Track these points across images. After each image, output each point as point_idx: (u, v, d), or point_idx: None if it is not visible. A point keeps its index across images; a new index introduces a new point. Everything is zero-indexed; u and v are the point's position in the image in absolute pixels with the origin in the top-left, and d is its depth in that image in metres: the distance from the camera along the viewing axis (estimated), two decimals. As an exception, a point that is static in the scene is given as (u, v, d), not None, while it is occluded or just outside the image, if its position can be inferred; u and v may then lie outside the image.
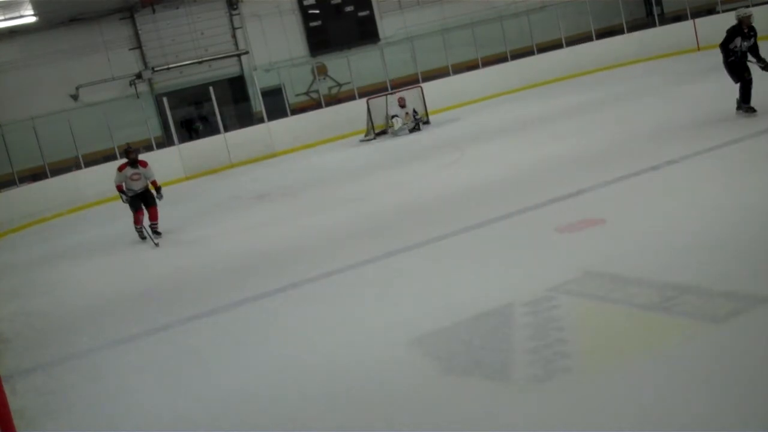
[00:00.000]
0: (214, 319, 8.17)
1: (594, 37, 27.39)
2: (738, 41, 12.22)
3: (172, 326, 8.20)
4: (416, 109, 22.23)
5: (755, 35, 12.24)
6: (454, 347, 5.91)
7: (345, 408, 5.39)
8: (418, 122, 21.92)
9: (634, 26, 28.17)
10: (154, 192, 13.63)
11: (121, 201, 13.75)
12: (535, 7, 28.95)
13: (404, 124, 21.64)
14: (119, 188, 13.44)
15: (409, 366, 5.82)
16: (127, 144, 13.96)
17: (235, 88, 28.45)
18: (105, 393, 6.85)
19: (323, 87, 27.69)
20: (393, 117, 21.78)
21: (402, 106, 21.84)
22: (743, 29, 12.17)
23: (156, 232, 13.52)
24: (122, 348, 7.89)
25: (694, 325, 5.35)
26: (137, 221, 13.54)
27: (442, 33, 27.41)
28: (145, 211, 13.52)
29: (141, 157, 14.09)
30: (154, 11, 26.84)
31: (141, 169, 13.49)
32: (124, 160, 13.64)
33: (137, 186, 13.48)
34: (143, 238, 13.43)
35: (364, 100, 23.25)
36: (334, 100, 27.35)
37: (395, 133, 21.65)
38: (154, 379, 6.92)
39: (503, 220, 9.46)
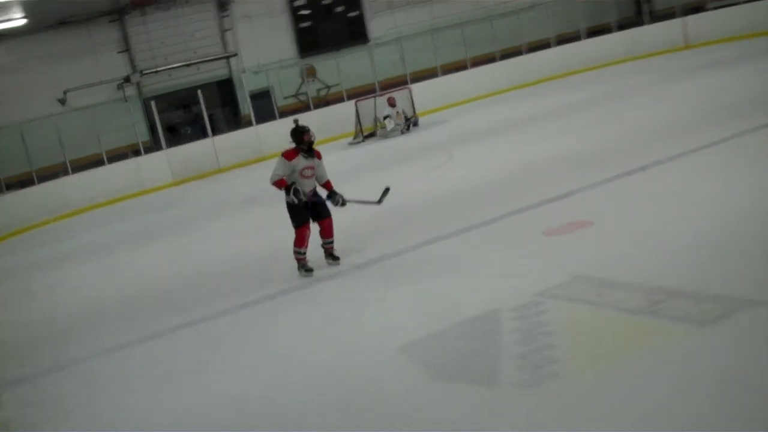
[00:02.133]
0: (208, 323, 8.14)
1: (583, 36, 27.41)
2: None
3: (170, 330, 8.16)
4: (405, 110, 22.16)
5: None
6: (442, 353, 5.89)
7: (337, 413, 5.37)
8: (409, 123, 21.85)
9: (624, 25, 28.24)
10: (323, 197, 9.15)
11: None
12: (524, 7, 28.96)
13: (396, 124, 21.57)
14: (281, 184, 8.77)
15: (397, 371, 5.79)
16: (296, 120, 9.35)
17: (224, 91, 28.38)
18: (98, 400, 6.80)
19: (312, 89, 27.63)
20: (385, 117, 21.66)
21: (392, 105, 21.76)
22: None
23: (333, 256, 9.18)
24: (115, 355, 7.84)
25: (682, 328, 5.32)
26: (300, 242, 8.88)
27: (431, 33, 27.41)
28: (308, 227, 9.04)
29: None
30: (143, 13, 26.72)
31: (316, 161, 9.02)
32: (291, 146, 8.99)
33: (308, 186, 8.92)
34: (308, 270, 8.93)
35: (352, 102, 23.20)
36: (322, 102, 27.31)
37: (387, 135, 21.55)
38: (150, 385, 6.88)
39: (491, 224, 9.43)
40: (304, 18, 28.89)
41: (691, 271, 6.31)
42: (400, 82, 25.27)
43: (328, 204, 9.06)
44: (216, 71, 27.96)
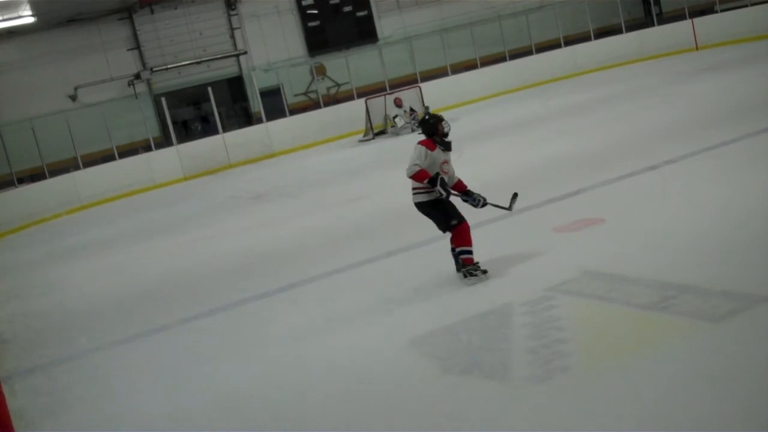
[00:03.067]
0: (213, 319, 8.17)
1: (592, 37, 27.38)
2: None
3: (172, 326, 8.20)
4: (413, 108, 22.15)
5: None
6: (453, 347, 5.92)
7: (344, 408, 5.40)
8: (413, 122, 21.84)
9: (633, 26, 28.20)
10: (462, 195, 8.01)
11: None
12: (533, 7, 28.96)
13: (406, 122, 21.62)
14: (423, 175, 7.48)
15: (408, 366, 5.83)
16: (427, 107, 8.49)
17: (234, 88, 28.43)
18: (104, 393, 6.85)
19: (322, 87, 27.68)
20: (395, 117, 21.77)
21: (399, 106, 21.82)
22: None
23: (475, 271, 7.45)
24: (121, 348, 7.89)
25: (692, 324, 5.35)
26: (468, 238, 7.50)
27: (440, 33, 27.43)
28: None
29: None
30: (152, 11, 26.81)
31: (450, 156, 7.87)
32: (423, 137, 7.83)
33: (450, 183, 7.81)
34: (485, 271, 7.41)
35: (362, 100, 23.24)
36: (332, 100, 27.34)
37: (397, 132, 21.62)
38: (154, 379, 6.93)
39: (502, 220, 9.44)
40: (313, 17, 28.91)
41: (701, 267, 6.34)
42: (409, 81, 25.29)
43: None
44: (226, 69, 28.01)
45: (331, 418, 5.29)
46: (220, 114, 24.24)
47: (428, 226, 9.93)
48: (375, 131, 22.36)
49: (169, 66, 26.95)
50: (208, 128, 25.53)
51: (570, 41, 27.24)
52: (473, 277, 7.37)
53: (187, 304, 8.85)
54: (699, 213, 7.89)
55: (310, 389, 5.82)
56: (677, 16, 26.56)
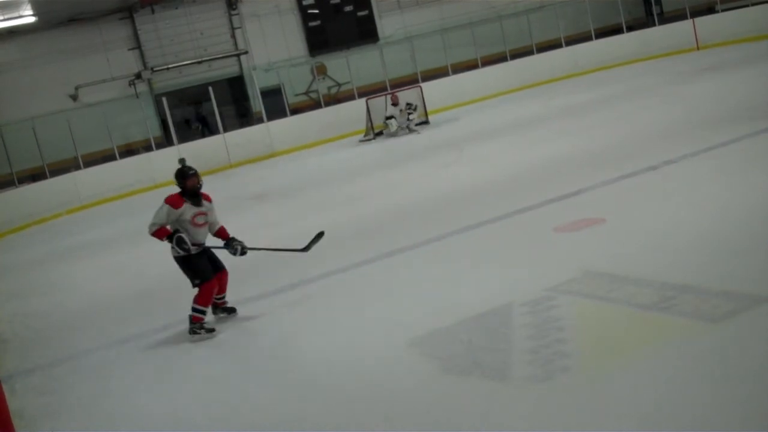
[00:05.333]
0: (212, 319, 8.16)
1: (593, 37, 27.38)
2: None
3: (172, 326, 8.19)
4: (410, 103, 22.10)
5: None
6: (453, 347, 5.92)
7: (345, 408, 5.40)
8: (410, 122, 21.83)
9: (634, 26, 28.20)
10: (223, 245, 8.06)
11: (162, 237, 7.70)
12: (534, 7, 28.96)
13: (399, 126, 21.63)
14: (161, 234, 7.61)
15: (408, 366, 5.83)
16: (182, 161, 8.09)
17: (235, 88, 28.46)
18: (104, 393, 6.86)
19: (322, 87, 27.69)
20: (388, 119, 21.74)
21: (395, 104, 21.80)
22: None
23: (226, 309, 8.09)
24: (121, 348, 7.89)
25: (693, 324, 5.36)
26: (207, 299, 7.69)
27: (441, 33, 27.42)
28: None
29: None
30: (153, 11, 26.82)
31: (207, 206, 7.87)
32: (175, 190, 7.84)
33: (203, 236, 7.82)
34: (210, 330, 7.62)
35: (363, 100, 23.22)
36: (333, 100, 27.35)
37: (394, 134, 21.63)
38: (154, 379, 6.93)
39: (502, 220, 9.46)
40: (313, 17, 28.92)
41: (701, 267, 6.34)
42: (410, 81, 25.28)
43: (224, 253, 7.99)
44: (227, 68, 28.02)
45: (331, 418, 5.29)
46: (220, 114, 24.25)
47: (429, 226, 10.00)
48: (375, 131, 22.36)
49: (169, 66, 26.95)
50: (208, 129, 25.54)
51: (571, 41, 27.23)
52: (197, 335, 7.55)
53: (187, 304, 8.82)
54: (699, 213, 7.90)
55: (310, 389, 5.82)
56: (678, 16, 26.54)
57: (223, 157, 23.41)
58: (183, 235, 7.55)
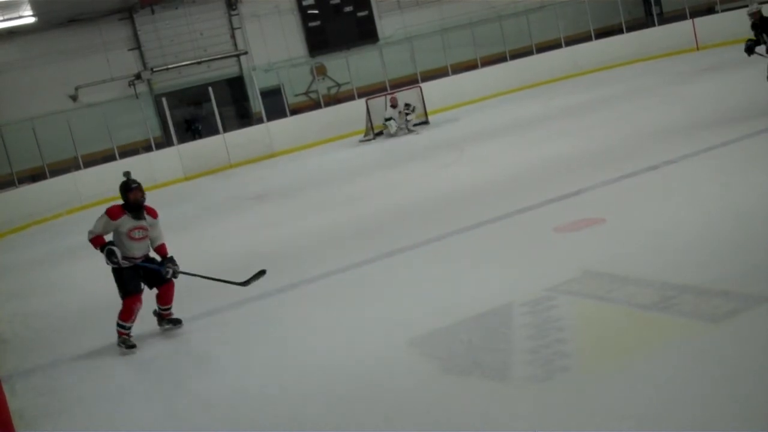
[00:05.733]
0: (212, 319, 8.18)
1: (593, 37, 27.38)
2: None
3: (170, 327, 8.19)
4: (408, 103, 22.12)
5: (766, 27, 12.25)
6: (453, 347, 5.92)
7: (344, 408, 5.40)
8: (408, 123, 21.84)
9: (633, 26, 28.17)
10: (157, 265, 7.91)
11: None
12: (534, 7, 28.95)
13: (398, 127, 21.67)
14: (96, 242, 7.70)
15: (408, 366, 5.83)
16: (127, 174, 7.93)
17: (235, 88, 28.44)
18: (104, 393, 6.85)
19: (322, 87, 27.70)
20: (388, 120, 21.78)
21: (393, 106, 21.83)
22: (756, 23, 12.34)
23: (172, 320, 8.07)
24: (120, 349, 7.87)
25: (693, 324, 5.35)
26: (127, 315, 7.63)
27: (441, 33, 27.43)
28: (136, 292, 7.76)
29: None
30: (153, 12, 26.82)
31: (149, 221, 7.86)
32: (118, 202, 7.81)
33: (139, 251, 7.78)
34: (130, 347, 7.64)
35: (363, 100, 23.24)
36: (333, 100, 27.35)
37: (394, 134, 21.66)
38: (154, 380, 6.94)
39: (502, 220, 9.47)
40: (313, 17, 28.92)
41: (701, 267, 6.34)
42: (410, 81, 25.29)
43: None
44: (227, 69, 28.03)
45: (331, 418, 5.29)
46: (220, 114, 24.25)
47: (429, 226, 10.00)
48: (375, 131, 22.38)
49: (169, 66, 26.95)
50: (208, 128, 25.53)
51: (570, 41, 27.23)
52: (120, 348, 7.62)
53: (187, 304, 8.83)
54: (699, 213, 7.90)
55: (310, 389, 5.82)
56: (678, 17, 26.54)
57: (223, 157, 23.43)
58: (114, 248, 7.58)
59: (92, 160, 22.31)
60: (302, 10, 28.78)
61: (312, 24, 28.92)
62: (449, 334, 6.17)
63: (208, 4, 27.66)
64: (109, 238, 7.73)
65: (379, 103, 22.67)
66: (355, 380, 5.80)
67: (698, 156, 10.35)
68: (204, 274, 8.20)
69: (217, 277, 8.26)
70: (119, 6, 25.94)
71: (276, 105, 25.06)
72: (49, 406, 6.82)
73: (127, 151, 23.18)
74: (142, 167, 22.30)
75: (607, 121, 15.51)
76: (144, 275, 7.79)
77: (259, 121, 24.70)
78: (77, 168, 21.80)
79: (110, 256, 7.57)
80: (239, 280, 8.15)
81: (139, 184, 7.74)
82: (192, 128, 26.10)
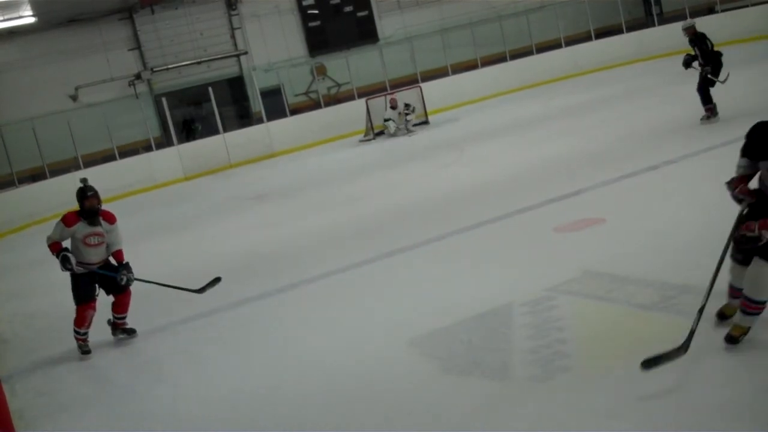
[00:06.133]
0: (212, 319, 8.17)
1: (593, 37, 27.38)
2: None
3: (171, 326, 8.21)
4: (408, 104, 22.12)
5: (700, 43, 12.93)
6: (453, 347, 5.92)
7: (344, 408, 5.40)
8: (408, 123, 21.83)
9: (633, 26, 28.15)
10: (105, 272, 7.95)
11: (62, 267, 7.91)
12: (534, 7, 28.95)
13: (398, 127, 21.68)
14: (53, 248, 7.84)
15: (408, 366, 5.83)
16: (84, 180, 8.09)
17: (234, 88, 28.45)
18: (104, 393, 6.87)
19: (322, 87, 27.70)
20: (387, 120, 21.80)
21: (393, 107, 21.84)
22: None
23: (126, 330, 8.08)
24: (121, 348, 7.88)
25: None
26: (81, 321, 7.77)
27: (441, 33, 27.42)
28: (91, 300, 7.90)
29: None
30: (153, 12, 26.84)
31: (105, 227, 7.92)
32: (74, 208, 7.94)
33: (96, 256, 7.89)
34: (85, 352, 7.82)
35: (363, 100, 23.23)
36: (333, 100, 27.35)
37: (394, 134, 21.68)
38: (154, 380, 6.93)
39: (502, 220, 9.47)
40: (313, 17, 28.93)
41: (701, 267, 6.28)
42: (410, 81, 25.28)
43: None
44: (227, 69, 28.04)
45: (331, 418, 5.29)
46: (220, 114, 24.26)
47: (430, 226, 10.00)
48: (375, 131, 22.39)
49: (169, 66, 26.97)
50: (208, 128, 25.54)
51: (570, 41, 27.22)
52: (80, 353, 7.79)
53: (187, 304, 8.84)
54: (699, 213, 7.89)
55: (310, 389, 5.82)
56: (678, 17, 26.47)
57: (223, 157, 23.42)
58: (69, 255, 7.71)
59: (92, 160, 22.29)
60: (302, 10, 28.79)
61: (312, 24, 28.93)
62: (449, 334, 6.17)
63: (208, 4, 27.67)
64: (67, 244, 7.82)
65: (379, 103, 22.67)
66: (355, 380, 5.80)
67: (698, 156, 10.36)
68: (159, 282, 8.28)
69: (172, 285, 8.31)
70: (119, 6, 25.95)
71: (276, 105, 25.05)
72: (49, 406, 6.82)
73: (127, 151, 23.19)
74: (142, 167, 22.40)
75: (607, 121, 15.50)
76: (100, 282, 7.90)
77: (259, 121, 24.70)
78: (77, 168, 21.74)
79: (64, 262, 7.72)
80: (192, 288, 8.29)
81: (95, 192, 7.84)
82: (191, 128, 26.07)
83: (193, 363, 7.05)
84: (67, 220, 7.78)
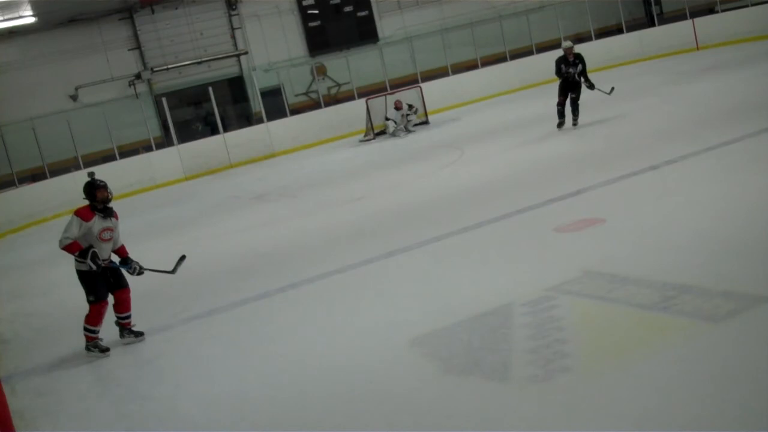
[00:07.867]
0: (213, 319, 8.17)
1: (593, 37, 27.38)
2: (563, 68, 15.30)
3: (171, 326, 8.21)
4: (411, 104, 22.12)
5: (582, 62, 15.15)
6: (453, 347, 5.92)
7: (345, 408, 5.40)
8: (409, 123, 21.85)
9: (633, 26, 28.19)
10: (118, 265, 7.96)
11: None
12: (534, 7, 28.96)
13: (398, 128, 21.69)
14: (74, 248, 7.59)
15: (408, 366, 5.83)
16: (92, 174, 8.00)
17: (235, 88, 28.47)
18: (104, 393, 6.86)
19: (322, 87, 27.71)
20: (387, 120, 21.82)
21: (398, 108, 21.84)
22: (567, 58, 15.28)
23: (133, 332, 7.95)
24: (121, 348, 7.87)
25: (693, 324, 5.35)
26: (96, 319, 7.65)
27: (441, 33, 27.44)
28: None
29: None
30: (153, 12, 26.85)
31: (114, 222, 7.86)
32: (80, 206, 7.79)
33: (106, 252, 7.81)
34: (104, 350, 7.67)
35: (363, 100, 23.27)
36: (333, 100, 27.37)
37: (394, 134, 21.69)
38: (154, 380, 6.93)
39: (503, 220, 9.46)
40: (313, 17, 28.94)
41: (701, 267, 6.34)
42: (410, 81, 25.31)
43: (124, 272, 7.90)
44: (227, 69, 28.04)
45: (332, 418, 5.29)
46: (220, 114, 24.28)
47: (428, 225, 10.00)
48: (375, 131, 22.40)
49: (169, 66, 26.98)
50: (208, 128, 25.57)
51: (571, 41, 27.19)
52: (91, 353, 7.65)
53: (187, 304, 8.86)
54: (699, 213, 7.89)
55: (310, 389, 5.81)
56: (678, 16, 26.56)
57: (223, 157, 23.44)
58: (97, 251, 7.56)
59: (92, 160, 22.29)
60: (302, 10, 28.79)
61: (312, 24, 28.93)
62: (449, 334, 6.16)
63: (208, 4, 27.68)
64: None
65: (379, 103, 22.69)
66: (355, 380, 5.80)
67: (698, 156, 10.35)
68: (153, 268, 8.23)
69: (155, 269, 8.23)
70: (119, 6, 25.97)
71: (276, 105, 25.07)
72: (49, 406, 6.82)
73: (127, 151, 23.23)
74: (142, 167, 22.42)
75: (607, 120, 15.50)
76: (107, 280, 7.80)
77: (259, 121, 24.72)
78: (77, 168, 21.78)
79: (95, 258, 7.54)
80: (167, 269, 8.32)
81: (105, 184, 7.74)
82: (207, 121, 26.09)
83: (194, 363, 7.04)
84: (84, 215, 7.60)
